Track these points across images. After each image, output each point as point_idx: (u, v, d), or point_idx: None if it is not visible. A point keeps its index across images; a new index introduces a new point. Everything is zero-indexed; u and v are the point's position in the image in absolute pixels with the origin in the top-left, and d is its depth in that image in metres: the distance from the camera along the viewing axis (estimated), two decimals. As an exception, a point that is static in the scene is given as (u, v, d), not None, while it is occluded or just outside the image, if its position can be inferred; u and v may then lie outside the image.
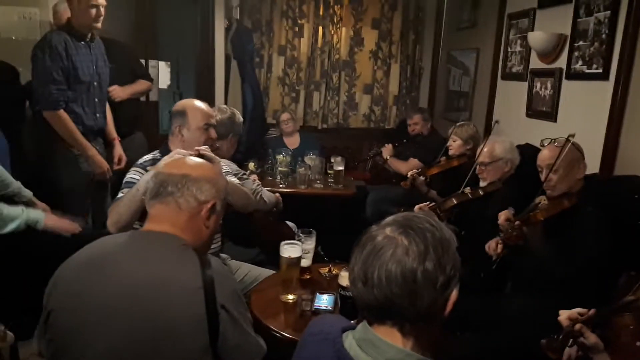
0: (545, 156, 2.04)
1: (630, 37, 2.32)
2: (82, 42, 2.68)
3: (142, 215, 1.86)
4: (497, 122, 2.98)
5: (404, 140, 4.09)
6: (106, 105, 2.92)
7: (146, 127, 3.79)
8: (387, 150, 4.01)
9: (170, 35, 4.67)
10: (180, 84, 5.18)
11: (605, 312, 1.37)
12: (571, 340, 1.37)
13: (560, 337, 1.38)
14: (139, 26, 4.02)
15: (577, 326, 1.35)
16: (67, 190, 2.67)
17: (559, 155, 1.92)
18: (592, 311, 1.37)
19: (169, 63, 4.39)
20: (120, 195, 1.91)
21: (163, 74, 4.27)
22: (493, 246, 2.05)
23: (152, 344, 1.11)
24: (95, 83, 2.75)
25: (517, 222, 1.88)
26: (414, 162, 3.83)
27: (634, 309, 1.32)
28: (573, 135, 1.97)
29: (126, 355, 1.11)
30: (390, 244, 0.92)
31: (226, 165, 2.25)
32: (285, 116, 4.19)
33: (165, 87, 4.39)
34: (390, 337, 0.94)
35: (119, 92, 3.12)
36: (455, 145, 3.24)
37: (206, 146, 1.90)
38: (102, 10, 2.64)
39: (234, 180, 2.13)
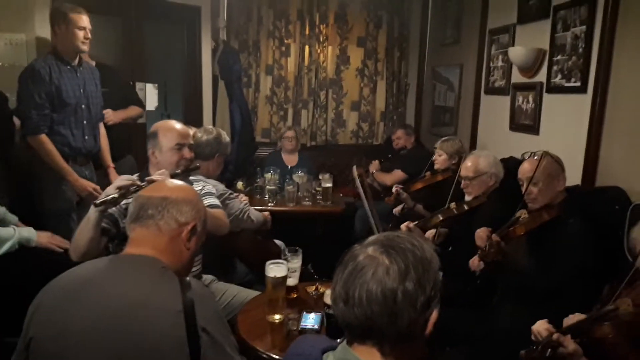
0: (525, 169, 2.07)
1: (606, 51, 2.37)
2: (68, 66, 2.71)
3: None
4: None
5: (389, 155, 4.16)
6: (100, 129, 2.96)
7: (135, 149, 3.79)
8: (373, 166, 4.10)
9: (158, 57, 4.69)
10: (168, 105, 5.19)
11: (585, 322, 1.39)
12: (550, 350, 1.39)
13: (539, 347, 1.40)
14: (126, 49, 4.04)
15: (555, 336, 1.38)
16: (53, 212, 2.67)
17: (536, 168, 1.95)
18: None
19: (156, 85, 4.41)
20: None
21: (151, 96, 4.27)
22: (476, 263, 2.06)
23: (134, 368, 1.11)
24: (83, 106, 2.78)
25: (494, 238, 1.90)
26: (398, 173, 3.88)
27: (614, 318, 1.34)
28: (547, 153, 2.02)
29: (108, 380, 1.10)
30: (371, 263, 0.93)
31: (211, 186, 2.26)
32: (290, 133, 4.24)
33: (153, 109, 4.39)
34: (370, 357, 0.94)
35: (111, 116, 3.17)
36: (440, 159, 3.27)
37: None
38: (89, 33, 2.68)
39: (206, 202, 2.11)
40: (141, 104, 3.54)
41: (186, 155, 2.05)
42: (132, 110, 3.39)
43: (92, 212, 1.72)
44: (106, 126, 3.08)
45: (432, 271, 0.94)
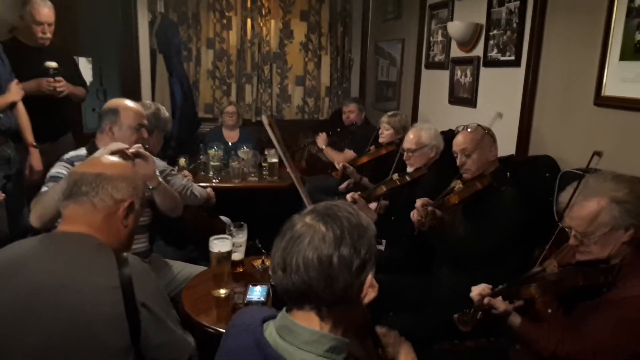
0: (459, 142, 2.15)
1: (538, 26, 2.46)
2: None
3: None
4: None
5: (338, 129, 4.16)
6: (15, 105, 2.76)
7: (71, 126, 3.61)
8: (321, 139, 4.05)
9: (91, 30, 4.45)
10: (104, 80, 4.95)
11: (514, 285, 1.47)
12: (480, 312, 1.46)
13: (472, 311, 1.47)
14: (56, 21, 3.80)
15: (485, 300, 1.45)
16: None
17: (469, 139, 2.03)
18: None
19: (90, 59, 4.19)
20: (44, 189, 1.85)
21: (84, 70, 4.06)
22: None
23: (71, 347, 1.08)
24: None
25: (430, 207, 1.96)
26: (349, 153, 3.89)
27: (540, 279, 1.42)
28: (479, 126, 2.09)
29: (45, 361, 1.07)
30: (308, 231, 0.95)
31: None
32: (231, 108, 4.12)
33: (87, 84, 4.19)
34: (307, 321, 0.96)
35: (64, 85, 3.06)
36: (387, 134, 3.32)
37: (139, 145, 1.91)
38: None
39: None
40: (86, 86, 3.46)
41: (144, 135, 2.10)
42: (78, 90, 3.33)
43: None
44: (48, 104, 2.99)
45: (367, 237, 0.97)
